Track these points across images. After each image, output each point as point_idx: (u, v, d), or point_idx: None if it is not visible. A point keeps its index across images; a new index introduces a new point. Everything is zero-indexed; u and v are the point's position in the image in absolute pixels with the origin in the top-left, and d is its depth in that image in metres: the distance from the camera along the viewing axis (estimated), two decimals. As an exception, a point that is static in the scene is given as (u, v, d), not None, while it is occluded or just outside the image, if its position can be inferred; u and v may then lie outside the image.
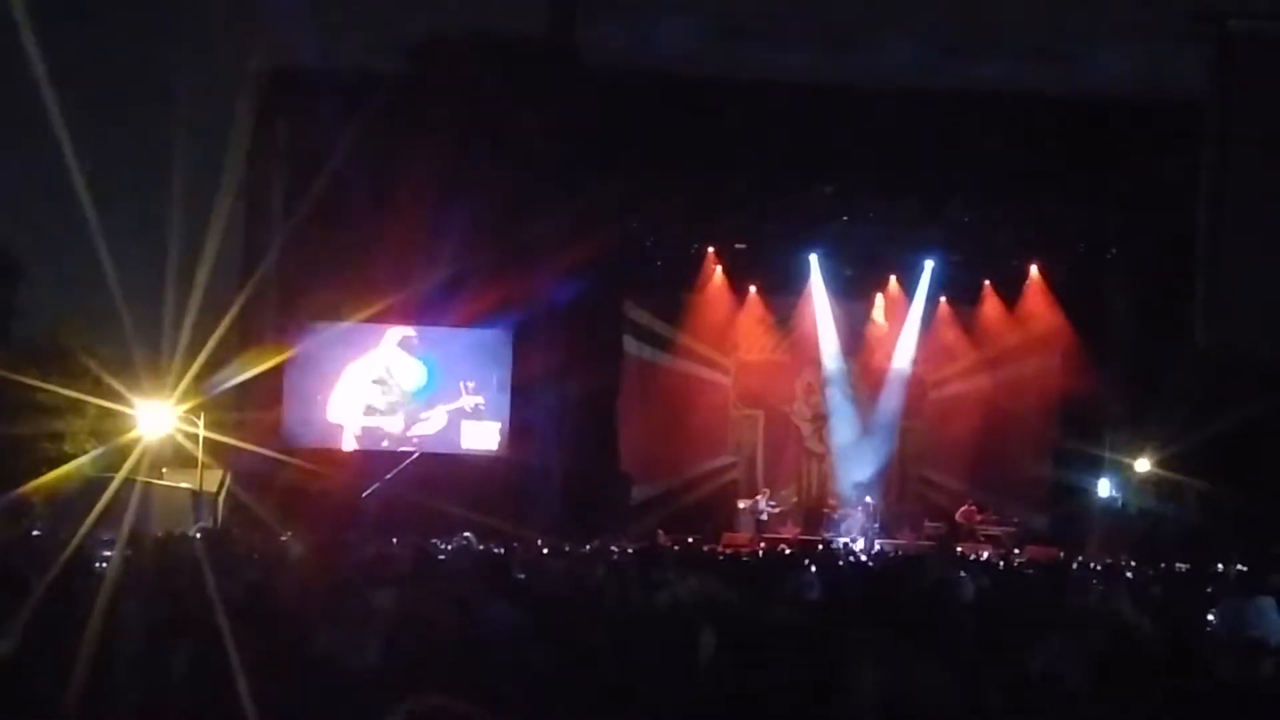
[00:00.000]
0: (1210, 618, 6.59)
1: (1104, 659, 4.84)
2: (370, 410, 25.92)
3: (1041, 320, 28.52)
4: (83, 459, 23.87)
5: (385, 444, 25.96)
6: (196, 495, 23.00)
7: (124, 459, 20.79)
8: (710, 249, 28.64)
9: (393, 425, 26.02)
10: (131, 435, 21.96)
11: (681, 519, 26.49)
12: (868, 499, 27.91)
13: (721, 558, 16.39)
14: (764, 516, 27.46)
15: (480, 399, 25.94)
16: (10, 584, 5.45)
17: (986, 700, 3.98)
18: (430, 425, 26.03)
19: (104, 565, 8.62)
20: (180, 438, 22.85)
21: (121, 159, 25.02)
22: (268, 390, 24.60)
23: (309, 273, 24.97)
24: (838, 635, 2.79)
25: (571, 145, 24.34)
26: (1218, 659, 4.81)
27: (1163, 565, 17.07)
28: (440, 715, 2.68)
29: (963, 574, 8.76)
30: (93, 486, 19.58)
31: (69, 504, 19.86)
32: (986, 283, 29.00)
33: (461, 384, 25.97)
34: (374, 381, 25.95)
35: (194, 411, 22.35)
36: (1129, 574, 14.51)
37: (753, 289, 29.20)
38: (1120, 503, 26.89)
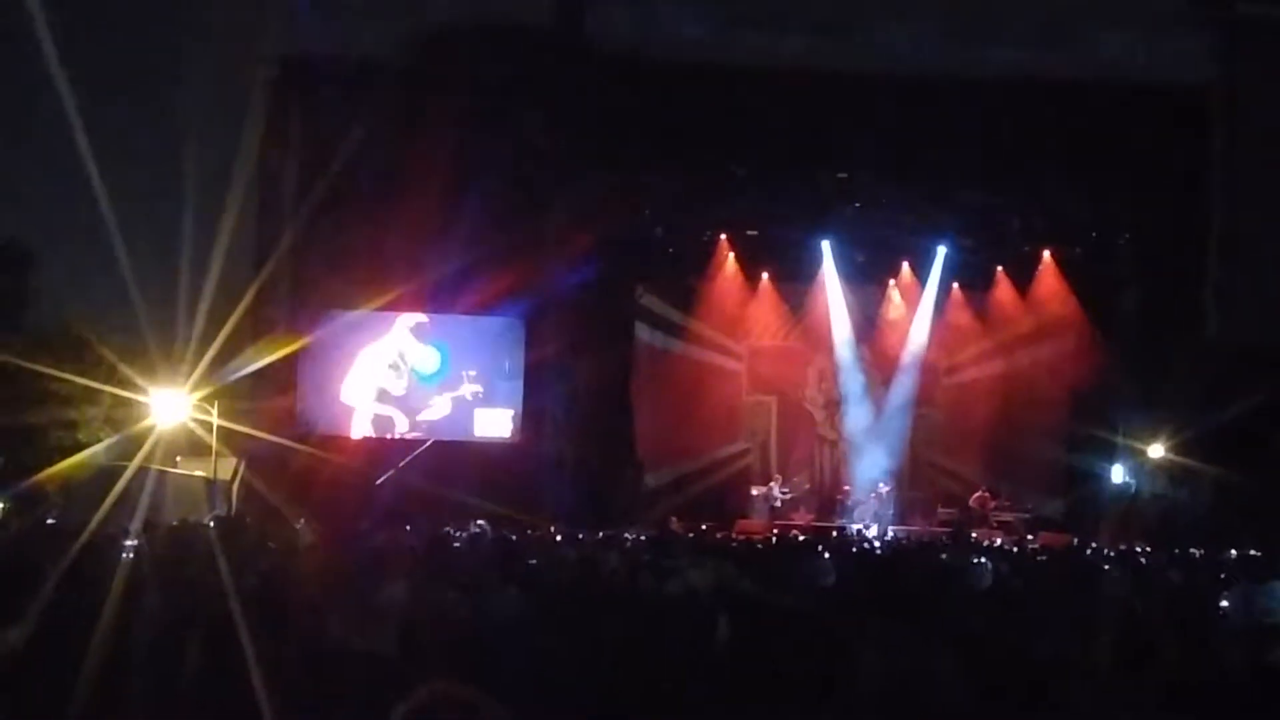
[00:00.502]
0: (1224, 603, 6.59)
1: (1118, 644, 4.83)
2: (383, 395, 25.99)
3: (1054, 306, 28.44)
4: (97, 447, 23.87)
5: (396, 430, 26.02)
6: (211, 483, 23.03)
7: (138, 447, 20.82)
8: (722, 236, 28.62)
9: (404, 410, 26.08)
10: (145, 424, 21.97)
11: (694, 506, 26.54)
12: (881, 485, 27.89)
13: (735, 545, 16.36)
14: (777, 503, 27.47)
15: (479, 387, 25.97)
16: (24, 572, 5.46)
17: (997, 687, 3.97)
18: (435, 412, 26.09)
19: (118, 554, 8.63)
20: (194, 426, 22.89)
21: (134, 148, 24.98)
22: (281, 378, 24.66)
23: (321, 261, 25.00)
24: (851, 623, 2.78)
25: (580, 134, 24.33)
26: (1231, 643, 4.80)
27: (1176, 551, 17.03)
28: (451, 703, 2.68)
29: (981, 560, 8.76)
30: (107, 475, 19.57)
31: (83, 493, 19.86)
32: (999, 268, 28.94)
33: (463, 372, 26.01)
34: (389, 367, 26.05)
35: (208, 400, 22.37)
36: (1143, 560, 14.51)
37: (765, 275, 29.17)
38: (1133, 489, 26.81)
